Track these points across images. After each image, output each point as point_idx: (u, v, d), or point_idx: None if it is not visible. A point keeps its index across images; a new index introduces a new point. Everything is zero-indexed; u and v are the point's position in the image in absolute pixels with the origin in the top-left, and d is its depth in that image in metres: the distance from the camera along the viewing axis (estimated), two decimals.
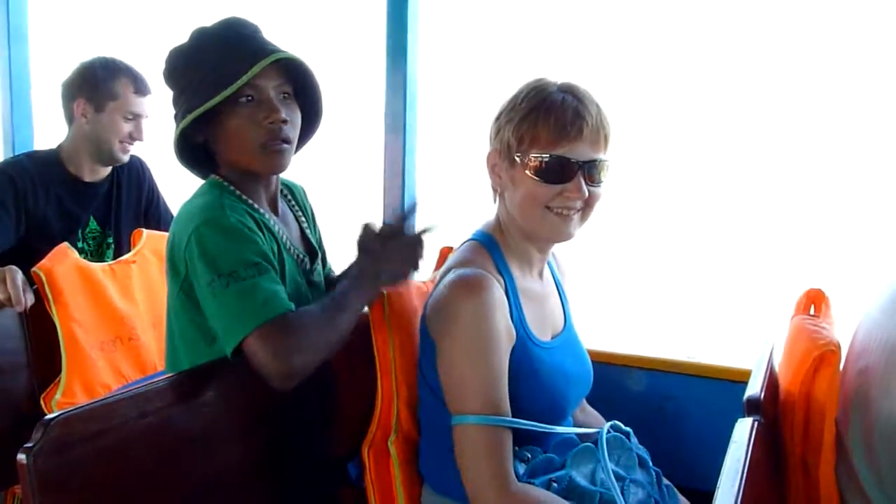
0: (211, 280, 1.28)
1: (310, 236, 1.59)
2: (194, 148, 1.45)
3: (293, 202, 1.61)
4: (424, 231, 1.39)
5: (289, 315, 1.25)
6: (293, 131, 1.44)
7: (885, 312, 1.09)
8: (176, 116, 1.44)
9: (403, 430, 1.39)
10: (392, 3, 2.02)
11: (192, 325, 1.39)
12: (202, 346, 1.38)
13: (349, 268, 1.52)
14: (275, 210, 1.51)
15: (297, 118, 1.46)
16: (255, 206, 1.45)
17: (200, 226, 1.32)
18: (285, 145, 1.42)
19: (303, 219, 1.61)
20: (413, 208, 1.42)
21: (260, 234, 1.37)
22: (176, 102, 1.45)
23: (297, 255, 1.50)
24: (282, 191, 1.56)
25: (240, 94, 1.38)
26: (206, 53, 1.41)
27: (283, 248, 1.45)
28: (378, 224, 1.40)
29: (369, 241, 1.38)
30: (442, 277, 1.35)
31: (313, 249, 1.58)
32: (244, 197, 1.44)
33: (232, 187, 1.44)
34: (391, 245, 1.37)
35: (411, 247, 1.38)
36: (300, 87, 1.47)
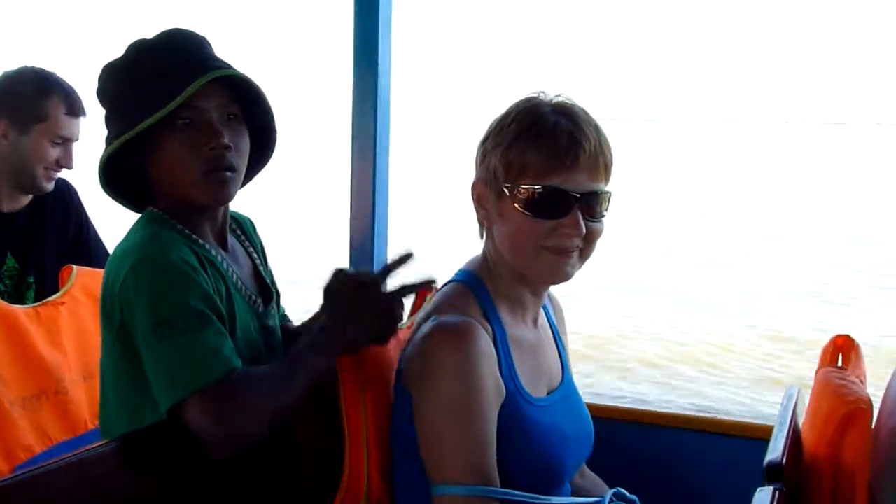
0: (146, 329, 1.23)
1: (263, 274, 1.53)
2: (125, 176, 1.40)
3: (242, 236, 1.56)
4: (407, 289, 1.32)
5: (233, 375, 1.20)
6: (239, 158, 1.38)
7: None
8: (107, 139, 1.38)
9: (374, 498, 1.33)
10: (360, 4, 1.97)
11: (129, 380, 1.32)
12: (141, 404, 1.30)
13: (312, 319, 1.46)
14: (223, 245, 1.45)
15: (244, 143, 1.40)
16: (200, 241, 1.39)
17: (136, 265, 1.27)
18: (229, 173, 1.36)
19: (255, 255, 1.55)
20: (402, 261, 1.33)
21: (204, 273, 1.32)
22: (107, 123, 1.40)
23: (250, 296, 1.44)
24: (230, 224, 1.50)
25: (177, 115, 1.32)
26: (141, 69, 1.36)
27: (232, 287, 1.39)
28: (352, 271, 1.33)
29: (339, 290, 1.30)
30: (420, 324, 1.31)
31: (267, 289, 1.52)
32: (186, 231, 1.38)
33: (173, 221, 1.38)
34: (364, 298, 1.29)
35: (388, 303, 1.30)
36: (249, 107, 1.42)
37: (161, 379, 1.21)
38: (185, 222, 1.38)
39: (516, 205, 1.26)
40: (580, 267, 1.31)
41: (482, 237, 1.37)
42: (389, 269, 1.32)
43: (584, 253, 1.30)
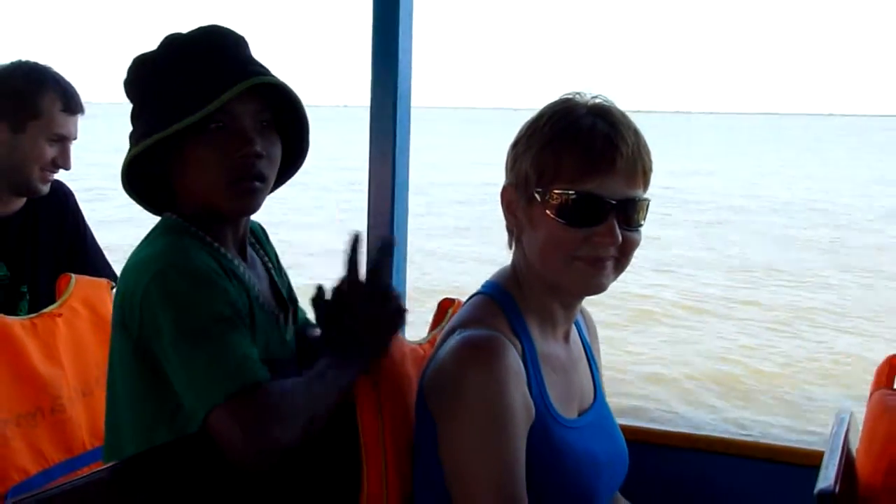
0: (175, 337, 1.24)
1: (280, 287, 1.55)
2: (148, 177, 1.42)
3: (257, 245, 1.58)
4: (380, 265, 1.34)
5: (264, 384, 1.23)
6: (269, 167, 1.40)
7: None
8: (131, 136, 1.40)
9: None
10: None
11: (145, 394, 1.33)
12: (157, 420, 1.32)
13: (322, 342, 1.44)
14: (243, 256, 1.47)
15: (276, 152, 1.42)
16: (222, 250, 1.41)
17: (160, 272, 1.28)
18: (258, 183, 1.38)
19: (270, 265, 1.57)
20: (385, 250, 1.37)
21: (229, 282, 1.34)
22: (134, 120, 1.42)
23: (271, 310, 1.47)
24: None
25: (209, 118, 1.34)
26: (175, 68, 1.38)
27: (254, 301, 1.41)
28: (335, 285, 1.33)
29: (336, 313, 1.32)
30: (444, 340, 1.31)
31: (283, 302, 1.54)
32: (208, 239, 1.40)
33: (193, 228, 1.39)
34: (365, 311, 1.31)
35: (388, 304, 1.33)
36: (282, 115, 1.44)
37: (195, 386, 1.22)
38: (206, 230, 1.40)
39: (548, 211, 1.26)
40: (615, 279, 1.31)
41: (511, 247, 1.37)
42: (380, 265, 1.34)
43: (620, 264, 1.30)
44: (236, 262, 1.42)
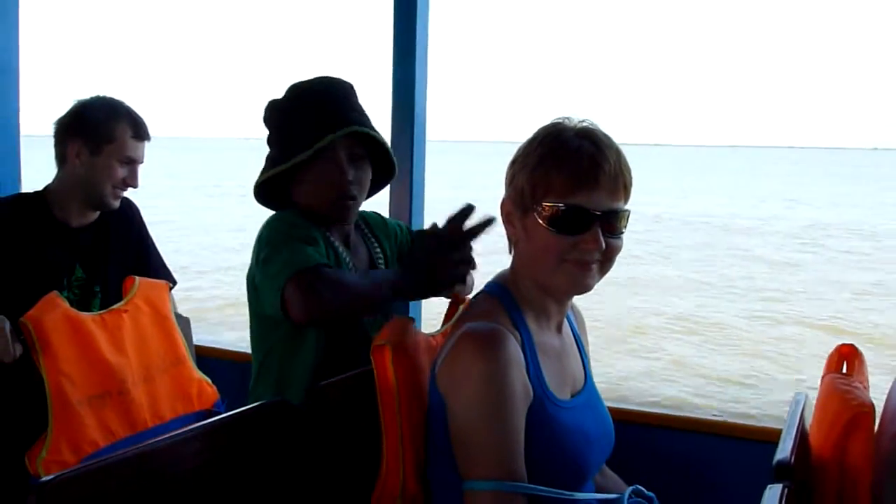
0: (262, 253, 1.65)
1: (380, 264, 1.88)
2: (275, 192, 1.81)
3: (367, 231, 1.93)
4: (475, 231, 1.57)
5: (323, 267, 1.58)
6: (359, 189, 1.78)
7: None
8: (266, 157, 1.81)
9: (410, 494, 1.41)
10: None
11: (257, 313, 1.76)
12: (266, 332, 1.75)
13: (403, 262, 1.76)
14: (346, 242, 1.82)
15: (366, 176, 1.80)
16: (326, 233, 1.77)
17: (269, 220, 1.72)
18: (350, 202, 1.77)
19: (376, 247, 1.90)
20: (466, 211, 1.57)
21: (322, 245, 1.69)
22: (268, 145, 1.82)
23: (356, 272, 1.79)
24: (359, 224, 1.90)
25: (317, 154, 1.71)
26: (293, 114, 1.76)
27: (343, 263, 1.76)
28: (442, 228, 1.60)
29: (436, 237, 1.58)
30: (454, 332, 1.38)
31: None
32: (316, 224, 1.76)
33: (305, 216, 1.78)
34: (435, 251, 1.56)
35: (456, 252, 1.57)
36: (372, 147, 1.80)
37: (271, 275, 1.59)
38: (316, 221, 1.77)
39: (541, 221, 1.33)
40: (599, 279, 1.38)
41: (510, 252, 1.44)
42: (457, 220, 1.57)
43: (604, 266, 1.36)
44: (335, 241, 1.77)
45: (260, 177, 1.78)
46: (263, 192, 1.81)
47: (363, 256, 1.85)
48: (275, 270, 1.58)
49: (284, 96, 1.78)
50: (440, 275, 1.56)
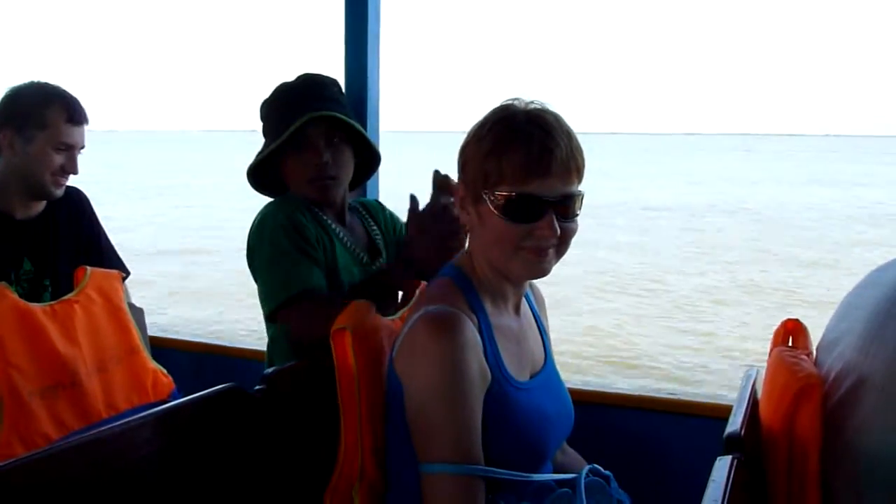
0: (259, 262, 1.82)
1: (379, 243, 2.02)
2: (268, 177, 1.96)
3: (367, 215, 2.06)
4: (438, 195, 1.69)
5: (312, 290, 1.74)
6: (338, 169, 1.90)
7: (860, 345, 1.14)
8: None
9: (368, 478, 1.40)
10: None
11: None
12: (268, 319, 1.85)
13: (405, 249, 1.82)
14: (342, 221, 1.96)
15: (343, 157, 1.91)
16: (320, 214, 1.89)
17: (262, 216, 1.86)
18: (329, 181, 1.89)
19: (373, 227, 2.04)
20: (444, 184, 1.68)
21: (311, 226, 1.83)
22: (263, 138, 1.98)
23: (354, 250, 1.94)
24: (357, 208, 2.04)
25: (295, 141, 1.86)
26: (276, 107, 1.92)
27: (337, 242, 1.89)
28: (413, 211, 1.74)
29: (426, 217, 1.70)
30: (411, 316, 1.37)
31: (376, 249, 2.01)
32: (310, 206, 1.89)
33: (300, 199, 1.90)
34: (424, 226, 1.69)
35: (442, 224, 1.68)
36: (355, 136, 1.93)
37: (265, 293, 1.80)
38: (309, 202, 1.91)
39: (494, 210, 1.30)
40: (556, 262, 1.36)
41: (466, 236, 1.44)
42: (440, 193, 1.69)
43: (560, 250, 1.35)
44: (328, 220, 1.90)
45: (249, 166, 1.95)
46: (260, 181, 1.97)
47: (360, 235, 1.99)
48: (270, 289, 1.78)
49: (271, 94, 1.95)
50: (434, 246, 1.68)
